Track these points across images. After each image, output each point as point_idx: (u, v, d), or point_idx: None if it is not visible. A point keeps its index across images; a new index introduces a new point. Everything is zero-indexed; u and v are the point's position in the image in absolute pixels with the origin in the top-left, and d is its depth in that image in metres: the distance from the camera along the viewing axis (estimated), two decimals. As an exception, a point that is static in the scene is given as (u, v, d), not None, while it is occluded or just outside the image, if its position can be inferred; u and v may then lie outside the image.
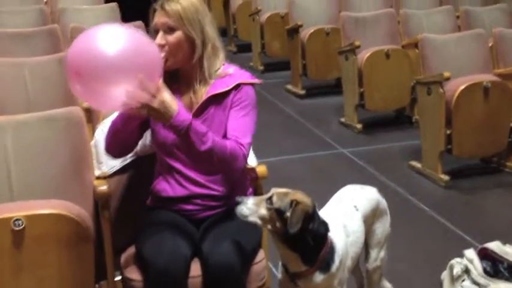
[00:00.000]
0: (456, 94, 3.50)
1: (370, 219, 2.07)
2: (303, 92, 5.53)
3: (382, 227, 2.14)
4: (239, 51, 7.01)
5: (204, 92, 1.89)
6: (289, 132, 4.51)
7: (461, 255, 2.49)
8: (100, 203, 2.04)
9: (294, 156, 4.12)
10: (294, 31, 5.46)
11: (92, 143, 2.19)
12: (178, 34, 1.84)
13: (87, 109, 2.81)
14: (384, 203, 2.15)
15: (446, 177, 3.60)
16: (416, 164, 3.83)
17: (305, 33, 5.36)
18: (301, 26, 5.36)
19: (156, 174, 1.98)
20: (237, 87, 1.89)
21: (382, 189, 3.54)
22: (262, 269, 1.91)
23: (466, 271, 2.45)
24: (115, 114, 2.29)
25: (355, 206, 2.01)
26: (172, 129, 1.71)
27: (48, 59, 3.18)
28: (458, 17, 4.95)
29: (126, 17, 4.60)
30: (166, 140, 1.88)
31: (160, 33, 1.83)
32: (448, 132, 3.55)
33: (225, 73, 1.91)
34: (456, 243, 2.89)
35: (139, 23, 4.01)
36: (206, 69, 1.88)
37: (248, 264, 1.83)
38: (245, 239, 1.81)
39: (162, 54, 1.81)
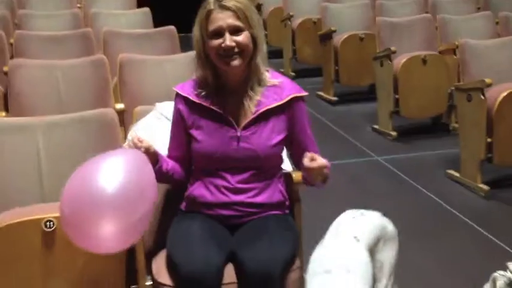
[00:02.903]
0: (498, 101, 3.37)
1: (375, 248, 1.82)
2: (335, 98, 5.45)
3: (390, 256, 1.88)
4: (270, 57, 6.89)
5: (255, 102, 1.84)
6: (322, 139, 4.34)
7: (505, 268, 2.37)
8: (132, 206, 1.99)
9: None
10: (327, 37, 5.38)
11: (125, 145, 2.14)
12: (246, 34, 1.80)
13: (121, 111, 2.80)
14: (391, 228, 1.89)
15: (485, 187, 3.47)
16: (454, 173, 3.70)
17: (338, 39, 5.28)
18: (334, 31, 5.29)
19: (193, 180, 1.92)
20: (291, 100, 1.86)
21: (419, 199, 3.50)
22: (298, 276, 1.84)
23: (510, 284, 2.33)
24: (149, 116, 2.26)
25: (355, 237, 1.74)
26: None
27: (80, 62, 3.18)
28: (497, 22, 4.82)
29: (158, 21, 4.60)
30: (217, 151, 1.83)
31: (228, 35, 1.78)
32: (489, 140, 3.42)
33: (274, 83, 1.87)
34: (498, 255, 2.76)
35: (172, 27, 4.01)
36: (260, 74, 1.85)
37: (286, 272, 1.76)
38: (283, 246, 1.74)
39: (235, 58, 1.79)
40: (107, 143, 2.11)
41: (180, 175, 1.94)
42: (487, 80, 3.41)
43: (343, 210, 3.32)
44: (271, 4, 6.86)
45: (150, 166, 1.73)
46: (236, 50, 1.79)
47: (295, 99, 1.88)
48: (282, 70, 6.35)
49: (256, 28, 1.82)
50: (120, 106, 2.93)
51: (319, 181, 1.78)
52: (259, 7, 6.96)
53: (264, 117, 1.84)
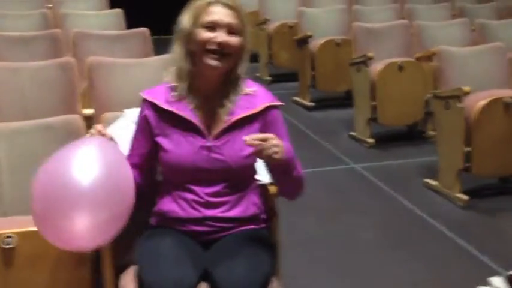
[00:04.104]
0: (476, 110, 3.33)
1: None
2: (311, 104, 5.39)
3: None
4: (246, 62, 6.88)
5: (227, 111, 1.75)
6: (297, 146, 4.28)
7: (485, 283, 2.32)
8: (99, 220, 1.88)
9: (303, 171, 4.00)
10: (303, 42, 5.34)
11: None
12: (239, 39, 1.73)
13: (87, 117, 2.67)
14: None
15: (465, 197, 3.43)
16: (432, 182, 3.66)
17: (315, 44, 5.23)
18: (310, 36, 5.25)
19: (162, 194, 1.82)
20: (264, 109, 1.78)
21: (396, 208, 3.45)
22: (276, 296, 1.75)
23: (491, 300, 2.28)
24: (117, 123, 2.14)
25: None
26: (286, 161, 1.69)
27: (48, 64, 3.04)
28: (473, 30, 4.82)
29: (132, 23, 4.48)
30: (186, 161, 1.73)
31: (222, 32, 1.71)
32: (467, 149, 3.38)
33: (248, 91, 1.80)
34: (478, 268, 2.73)
35: (145, 29, 3.90)
36: (237, 84, 1.77)
37: (263, 293, 1.66)
38: (260, 265, 1.65)
39: (216, 63, 1.71)
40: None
41: (136, 182, 1.82)
42: (465, 88, 3.37)
43: (320, 219, 3.27)
44: (247, 8, 6.69)
45: (124, 159, 1.67)
46: (225, 50, 1.71)
47: (268, 109, 1.80)
48: (258, 74, 6.29)
49: (246, 38, 1.77)
50: (89, 111, 2.80)
51: (271, 159, 1.63)
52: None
53: (236, 126, 1.76)
